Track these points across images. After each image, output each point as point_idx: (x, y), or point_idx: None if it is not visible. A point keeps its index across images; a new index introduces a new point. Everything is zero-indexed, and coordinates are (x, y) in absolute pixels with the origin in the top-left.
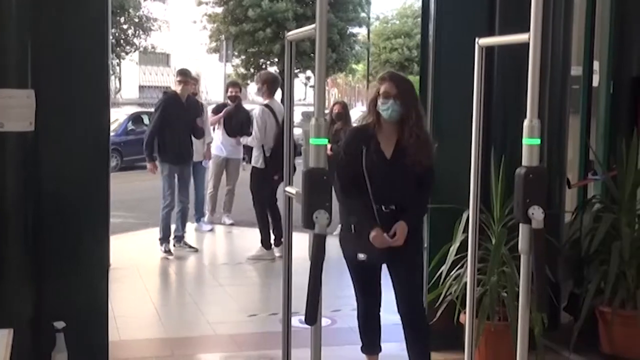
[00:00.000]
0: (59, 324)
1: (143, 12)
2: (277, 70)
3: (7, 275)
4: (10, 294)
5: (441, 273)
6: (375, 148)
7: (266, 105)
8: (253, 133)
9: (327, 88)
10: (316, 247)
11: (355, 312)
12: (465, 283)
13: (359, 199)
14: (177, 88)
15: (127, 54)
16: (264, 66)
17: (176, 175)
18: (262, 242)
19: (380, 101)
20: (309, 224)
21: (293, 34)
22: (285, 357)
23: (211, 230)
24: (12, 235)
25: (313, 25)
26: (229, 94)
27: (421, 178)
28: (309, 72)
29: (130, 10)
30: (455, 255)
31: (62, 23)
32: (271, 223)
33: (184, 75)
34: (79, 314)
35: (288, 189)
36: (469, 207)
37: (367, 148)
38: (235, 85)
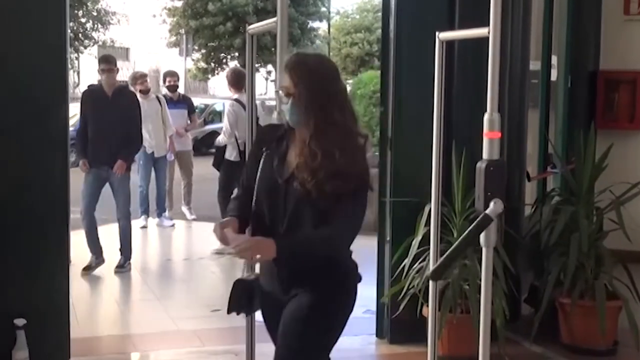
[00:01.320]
0: (20, 322)
1: (102, 5)
2: (238, 64)
3: None
4: None
5: (404, 266)
6: (279, 156)
7: (236, 100)
8: (223, 128)
9: None
10: None
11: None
12: (428, 276)
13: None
14: (101, 78)
15: (85, 48)
16: (224, 60)
17: (109, 183)
18: None
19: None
20: None
21: (254, 27)
22: (250, 351)
23: (172, 225)
24: None
25: (274, 19)
26: (167, 83)
27: (327, 211)
28: (269, 67)
29: (89, 4)
30: (418, 248)
31: (19, 16)
32: None
33: (107, 63)
34: (40, 311)
35: None
36: (430, 201)
37: (268, 154)
38: (173, 75)
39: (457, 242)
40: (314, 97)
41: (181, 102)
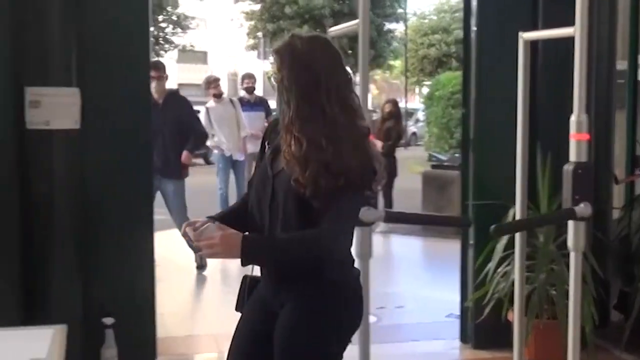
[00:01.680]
0: (108, 320)
1: (181, 10)
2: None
3: (57, 273)
4: (60, 292)
5: (488, 270)
6: (273, 149)
7: None
8: None
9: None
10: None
11: (401, 310)
12: (513, 280)
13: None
14: (151, 85)
15: (165, 52)
16: None
17: (161, 192)
18: None
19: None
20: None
21: (335, 30)
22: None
23: None
24: (59, 233)
25: (355, 21)
26: (245, 85)
27: (315, 210)
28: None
29: (169, 9)
30: (502, 252)
31: (105, 22)
32: None
33: (157, 69)
34: (128, 311)
35: None
36: (515, 204)
37: (268, 149)
38: (251, 77)
39: (532, 216)
40: (298, 83)
41: (258, 104)
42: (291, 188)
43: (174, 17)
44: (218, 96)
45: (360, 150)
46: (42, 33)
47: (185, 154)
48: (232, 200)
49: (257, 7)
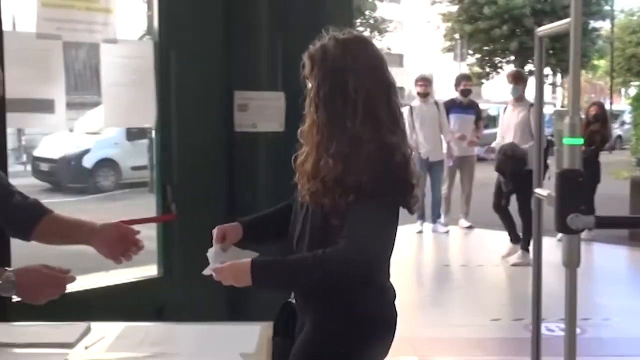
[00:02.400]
0: None
1: (378, 13)
2: (514, 68)
3: None
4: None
5: None
6: None
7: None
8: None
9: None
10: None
11: (607, 322)
12: None
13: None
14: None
15: None
16: (499, 64)
17: None
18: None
19: None
20: (562, 228)
21: (544, 29)
22: None
23: (447, 232)
24: None
25: (565, 21)
26: (462, 87)
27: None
28: (546, 70)
29: (367, 12)
30: None
31: (309, 27)
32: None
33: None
34: None
35: (538, 191)
36: None
37: None
38: (468, 79)
39: None
40: (323, 90)
41: (470, 107)
42: (309, 206)
43: (371, 21)
44: (423, 95)
45: (377, 164)
46: (251, 40)
47: None
48: (428, 202)
49: (454, 8)
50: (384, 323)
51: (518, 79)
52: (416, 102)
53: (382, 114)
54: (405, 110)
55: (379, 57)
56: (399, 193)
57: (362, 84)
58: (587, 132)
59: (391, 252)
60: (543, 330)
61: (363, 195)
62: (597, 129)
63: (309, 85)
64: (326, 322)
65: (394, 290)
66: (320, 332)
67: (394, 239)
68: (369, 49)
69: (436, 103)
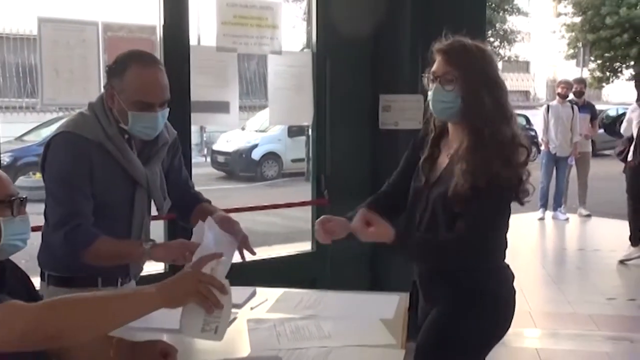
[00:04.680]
0: None
1: (508, 25)
2: (633, 73)
3: None
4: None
5: None
6: (426, 155)
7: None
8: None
9: None
10: None
11: None
12: None
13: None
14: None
15: None
16: (619, 69)
17: None
18: (630, 239)
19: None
20: None
21: None
22: None
23: (566, 219)
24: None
25: None
26: (574, 89)
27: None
28: None
29: (497, 25)
30: None
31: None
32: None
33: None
34: None
35: None
36: None
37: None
38: (580, 82)
39: None
40: (471, 86)
41: (585, 107)
42: (444, 195)
43: (501, 32)
44: (563, 97)
45: (508, 159)
46: (393, 52)
47: None
48: (551, 194)
49: (578, 19)
50: (504, 299)
51: None
52: (554, 102)
53: (510, 113)
54: (543, 108)
55: (496, 63)
56: (514, 189)
57: (497, 84)
58: None
59: (504, 238)
60: None
61: (489, 188)
62: None
63: (447, 77)
64: (456, 299)
65: (511, 271)
66: (450, 308)
67: (506, 229)
68: (490, 54)
69: (572, 106)
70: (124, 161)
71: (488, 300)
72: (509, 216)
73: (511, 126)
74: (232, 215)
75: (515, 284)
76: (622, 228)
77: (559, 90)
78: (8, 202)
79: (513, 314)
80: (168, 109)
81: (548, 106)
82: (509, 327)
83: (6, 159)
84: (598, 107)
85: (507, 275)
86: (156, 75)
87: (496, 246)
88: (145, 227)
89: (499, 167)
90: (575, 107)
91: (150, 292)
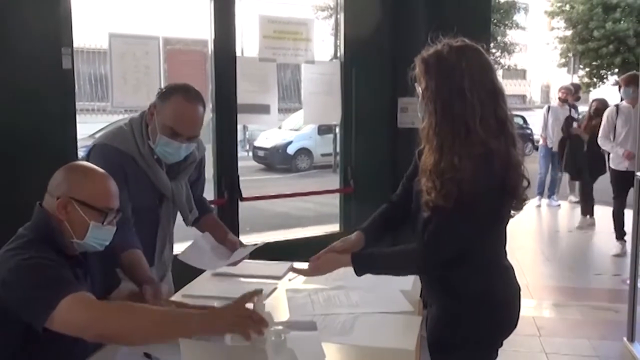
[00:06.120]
0: None
1: (508, 38)
2: (617, 79)
3: None
4: None
5: None
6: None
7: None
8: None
9: None
10: None
11: None
12: None
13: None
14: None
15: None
16: (604, 76)
17: None
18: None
19: None
20: None
21: None
22: (631, 310)
23: (558, 205)
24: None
25: None
26: (559, 94)
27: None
28: None
29: (498, 38)
30: None
31: None
32: None
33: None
34: None
35: None
36: None
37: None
38: (567, 89)
39: None
40: (441, 92)
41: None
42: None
43: (502, 44)
44: (562, 100)
45: (478, 170)
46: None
47: None
48: (547, 183)
49: (568, 32)
50: (502, 303)
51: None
52: (554, 104)
53: (491, 119)
54: (544, 108)
55: (489, 64)
56: (495, 201)
57: (476, 87)
58: (590, 126)
59: (498, 242)
60: None
61: (459, 200)
62: (598, 123)
63: (420, 87)
64: (451, 304)
65: (513, 271)
66: (442, 312)
67: (498, 234)
68: (481, 55)
69: (570, 108)
70: (152, 176)
71: (483, 304)
72: (495, 223)
73: (479, 134)
74: (271, 201)
75: (514, 261)
76: (606, 212)
77: (560, 94)
78: (104, 213)
79: (515, 317)
80: (194, 144)
81: (549, 107)
82: (510, 329)
83: (81, 153)
84: (584, 108)
85: (506, 278)
86: (194, 111)
87: (491, 248)
88: (170, 234)
89: (472, 177)
90: (573, 110)
91: (193, 320)
